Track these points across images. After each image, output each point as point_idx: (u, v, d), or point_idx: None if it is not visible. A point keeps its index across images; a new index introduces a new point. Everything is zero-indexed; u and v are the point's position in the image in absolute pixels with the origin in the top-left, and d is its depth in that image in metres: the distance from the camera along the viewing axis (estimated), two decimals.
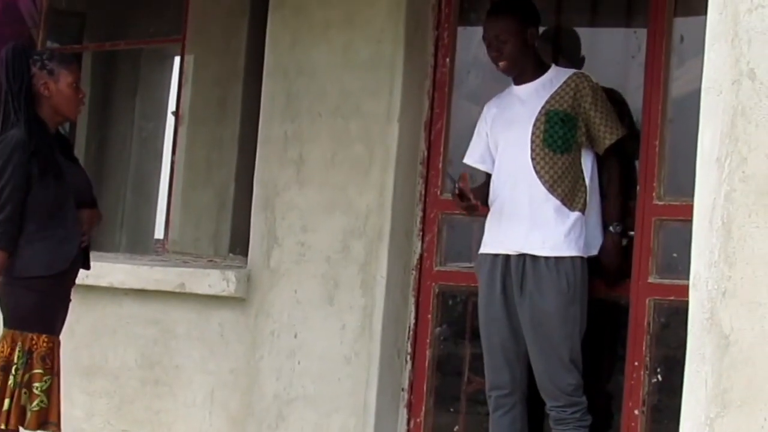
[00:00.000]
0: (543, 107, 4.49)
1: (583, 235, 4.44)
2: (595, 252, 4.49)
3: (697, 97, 2.66)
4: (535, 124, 4.47)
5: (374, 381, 5.02)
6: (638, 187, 4.57)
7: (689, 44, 4.52)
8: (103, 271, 5.61)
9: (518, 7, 4.56)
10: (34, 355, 4.14)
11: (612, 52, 5.06)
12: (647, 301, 4.51)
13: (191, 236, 6.54)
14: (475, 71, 5.25)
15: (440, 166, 5.08)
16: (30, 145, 4.11)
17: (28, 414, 4.13)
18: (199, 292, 5.45)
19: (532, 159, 4.45)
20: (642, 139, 4.57)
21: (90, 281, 5.27)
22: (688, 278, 2.63)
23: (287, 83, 5.34)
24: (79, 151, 4.72)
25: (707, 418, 2.48)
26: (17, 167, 4.09)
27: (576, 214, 4.43)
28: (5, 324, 4.16)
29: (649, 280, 4.52)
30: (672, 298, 4.41)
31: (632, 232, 4.58)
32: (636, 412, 4.50)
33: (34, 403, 4.13)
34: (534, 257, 4.41)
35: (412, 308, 5.10)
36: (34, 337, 4.14)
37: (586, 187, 4.47)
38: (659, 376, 4.48)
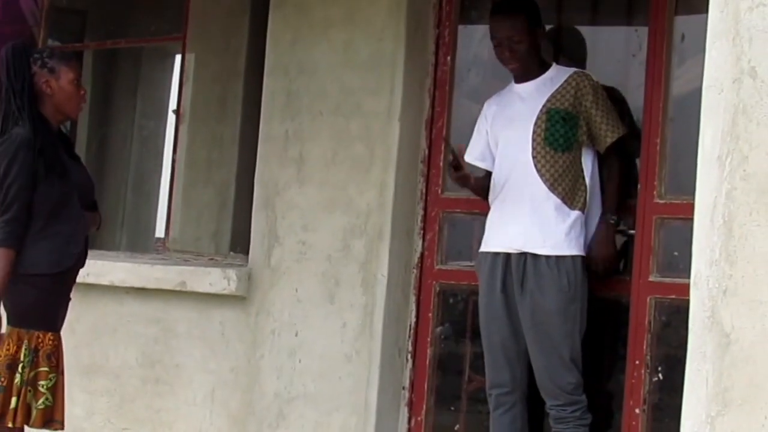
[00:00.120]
0: (544, 105, 4.49)
1: (583, 234, 4.44)
2: None
3: (698, 96, 2.66)
4: (536, 123, 4.47)
5: (375, 380, 5.01)
6: (639, 186, 4.57)
7: (690, 42, 4.51)
8: (104, 269, 5.61)
9: (527, 6, 4.56)
10: (40, 353, 4.14)
11: (613, 50, 5.06)
12: (648, 300, 4.51)
13: (192, 235, 6.54)
14: (476, 69, 5.25)
15: (441, 164, 5.07)
16: (35, 143, 4.11)
17: (34, 412, 4.13)
18: (200, 290, 5.45)
19: (533, 157, 4.45)
20: (643, 137, 4.57)
21: (91, 280, 5.28)
22: (689, 277, 2.63)
23: (288, 82, 5.34)
24: (80, 150, 4.72)
25: (708, 416, 2.48)
26: (23, 166, 4.08)
27: (576, 212, 4.43)
28: (9, 322, 4.15)
29: (650, 279, 4.51)
30: (673, 296, 4.41)
31: (632, 231, 4.58)
32: (637, 410, 4.50)
33: (40, 401, 4.13)
34: (535, 256, 4.41)
35: (413, 307, 5.10)
36: (40, 335, 4.14)
37: (586, 186, 4.47)
38: (660, 375, 4.48)
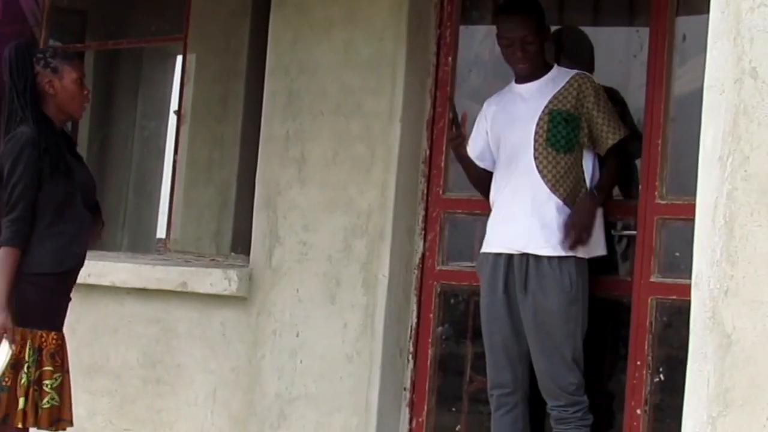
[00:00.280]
0: (546, 106, 4.49)
1: None
2: (596, 253, 4.49)
3: (699, 96, 2.66)
4: (538, 123, 4.47)
5: (376, 380, 5.01)
6: (640, 186, 4.57)
7: (691, 43, 4.51)
8: (105, 270, 5.61)
9: (535, 7, 4.56)
10: (44, 352, 4.13)
11: (614, 50, 5.06)
12: (649, 300, 4.50)
13: (193, 235, 6.54)
14: (477, 69, 5.25)
15: (442, 164, 5.07)
16: (40, 142, 4.10)
17: (40, 412, 4.12)
18: (201, 291, 5.45)
19: (535, 158, 4.45)
20: (644, 138, 4.57)
21: (92, 280, 5.29)
22: (690, 277, 2.63)
23: (289, 82, 5.34)
24: (81, 150, 4.71)
25: (709, 417, 2.48)
26: (28, 164, 4.07)
27: None
28: (12, 322, 4.14)
29: (651, 279, 4.51)
30: (674, 297, 4.41)
31: (633, 232, 4.58)
32: (638, 411, 4.50)
33: (45, 400, 4.12)
34: (537, 257, 4.41)
35: (414, 307, 5.10)
36: (44, 335, 4.13)
37: (586, 188, 4.47)
38: (661, 376, 4.48)
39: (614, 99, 4.65)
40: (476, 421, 4.98)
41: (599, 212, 4.50)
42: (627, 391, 4.54)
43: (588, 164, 4.50)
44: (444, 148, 5.07)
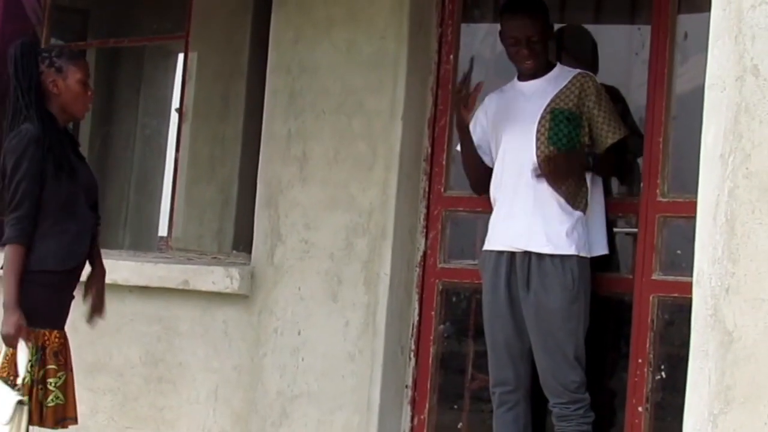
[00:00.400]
0: (548, 105, 4.49)
1: (586, 235, 4.44)
2: (597, 252, 4.49)
3: (700, 94, 2.66)
4: (540, 122, 4.48)
5: (378, 378, 5.02)
6: (642, 184, 4.57)
7: (693, 41, 4.51)
8: (106, 268, 5.61)
9: (540, 6, 4.57)
10: (47, 351, 4.13)
11: (616, 49, 5.06)
12: (651, 298, 4.51)
13: (195, 233, 6.55)
14: (478, 68, 5.24)
15: (444, 162, 5.08)
16: (45, 140, 4.10)
17: (44, 410, 4.11)
18: (203, 289, 5.45)
19: (537, 156, 4.45)
20: (646, 136, 4.58)
21: None
22: (691, 275, 2.63)
23: (290, 80, 5.34)
24: (83, 149, 4.71)
25: (711, 414, 2.48)
26: (33, 162, 4.06)
27: (578, 213, 4.44)
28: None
29: (653, 277, 4.52)
30: (676, 294, 4.42)
31: (635, 229, 4.58)
32: (640, 408, 4.50)
33: (49, 399, 4.12)
34: (539, 255, 4.41)
35: (416, 305, 5.10)
36: (46, 333, 4.12)
37: (587, 187, 4.48)
38: (663, 373, 4.48)
39: (615, 98, 4.66)
40: (478, 419, 4.98)
41: (601, 213, 4.51)
42: (628, 389, 4.54)
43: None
44: (445, 146, 5.07)
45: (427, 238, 5.10)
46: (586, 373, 4.41)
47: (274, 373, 5.27)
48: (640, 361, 4.51)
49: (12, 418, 3.95)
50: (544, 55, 4.56)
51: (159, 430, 5.59)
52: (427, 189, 5.11)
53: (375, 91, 5.11)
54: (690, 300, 2.63)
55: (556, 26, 4.92)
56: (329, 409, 5.12)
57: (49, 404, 4.11)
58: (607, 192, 4.62)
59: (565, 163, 4.41)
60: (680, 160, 4.49)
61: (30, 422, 4.06)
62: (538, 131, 4.47)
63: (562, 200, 4.42)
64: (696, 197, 2.63)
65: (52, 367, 4.12)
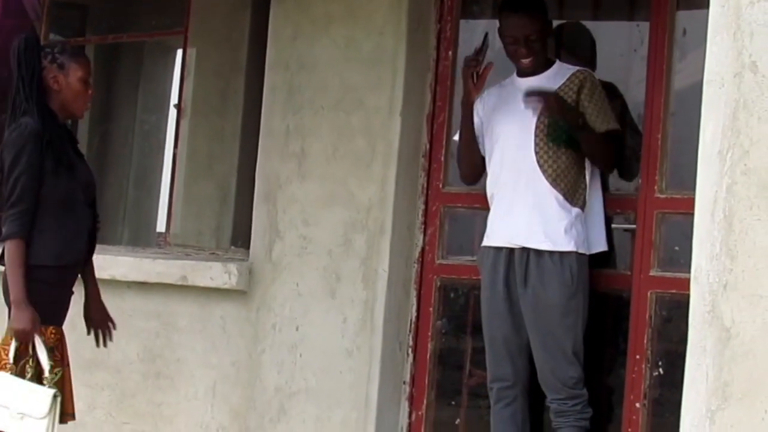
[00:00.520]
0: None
1: (584, 231, 4.44)
2: (596, 249, 4.50)
3: (699, 90, 2.66)
4: (539, 118, 4.48)
5: (376, 374, 5.02)
6: (640, 181, 4.57)
7: (692, 37, 4.52)
8: (105, 263, 5.59)
9: (539, 4, 4.56)
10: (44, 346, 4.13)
11: (615, 45, 5.06)
12: (649, 294, 4.51)
13: (193, 229, 6.54)
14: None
15: (442, 159, 5.08)
16: (44, 134, 4.09)
17: None
18: (201, 285, 5.45)
19: (536, 153, 4.46)
20: (644, 132, 4.58)
21: None
22: (689, 271, 2.63)
23: (289, 77, 5.34)
24: (82, 144, 4.71)
25: (708, 410, 2.48)
26: (32, 156, 4.05)
27: (577, 209, 4.44)
28: (10, 316, 4.14)
29: (651, 273, 4.52)
30: (673, 291, 4.42)
31: (633, 226, 4.58)
32: (637, 405, 4.50)
33: None
34: (538, 251, 4.42)
35: (414, 301, 5.10)
36: (42, 329, 4.12)
37: (586, 184, 4.48)
38: (660, 370, 4.48)
39: (613, 94, 4.66)
40: (475, 415, 4.98)
41: (600, 210, 4.51)
42: (626, 385, 4.55)
43: (588, 161, 4.50)
44: (444, 142, 5.07)
45: (425, 235, 5.10)
46: (584, 370, 4.41)
47: (272, 369, 5.27)
48: (638, 357, 4.51)
49: (49, 412, 3.97)
50: (542, 53, 4.56)
51: (157, 426, 5.59)
52: (425, 185, 5.11)
53: (373, 87, 5.11)
54: (688, 296, 2.63)
55: (555, 23, 4.92)
56: (327, 406, 5.12)
57: None
58: (605, 188, 4.62)
59: (558, 104, 4.40)
60: (679, 156, 4.49)
61: None
62: (536, 128, 4.47)
63: (560, 197, 4.42)
64: (694, 193, 2.64)
65: (49, 363, 4.12)
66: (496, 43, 4.73)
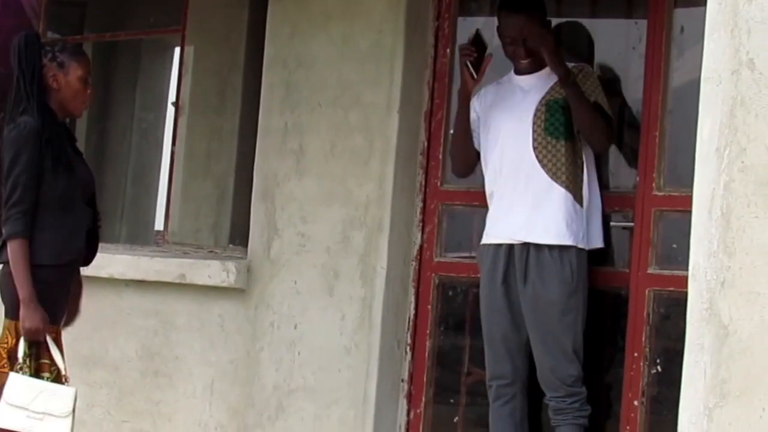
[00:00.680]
0: (543, 97, 4.50)
1: (584, 227, 4.44)
2: (595, 245, 4.50)
3: (697, 88, 2.66)
4: (536, 114, 4.48)
5: (374, 372, 5.02)
6: (638, 178, 4.57)
7: (689, 34, 4.51)
8: (103, 262, 5.59)
9: (538, 3, 4.56)
10: (41, 345, 4.13)
11: (613, 43, 5.06)
12: (647, 292, 4.51)
13: (191, 227, 6.54)
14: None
15: (440, 156, 5.08)
16: (43, 133, 4.09)
17: None
18: (199, 283, 5.45)
19: (534, 148, 4.46)
20: (642, 130, 4.58)
21: (90, 272, 5.25)
22: (687, 269, 2.63)
23: (287, 74, 5.34)
24: (80, 143, 4.71)
25: (706, 408, 2.48)
26: (32, 155, 4.06)
27: (577, 204, 4.45)
28: (7, 314, 4.13)
29: (649, 271, 4.52)
30: (671, 288, 4.42)
31: (631, 223, 4.58)
32: (635, 402, 4.50)
33: None
34: (538, 246, 4.42)
35: (412, 299, 5.10)
36: (50, 328, 4.12)
37: (584, 179, 4.48)
38: (659, 367, 4.48)
39: (612, 91, 4.66)
40: (474, 413, 4.98)
41: (598, 205, 4.51)
42: (624, 383, 4.54)
43: (586, 155, 4.50)
44: (442, 139, 5.07)
45: (423, 232, 5.10)
46: (583, 367, 4.41)
47: (271, 367, 5.27)
48: (635, 355, 4.51)
49: (72, 410, 4.00)
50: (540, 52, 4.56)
51: (155, 424, 5.59)
52: (423, 183, 5.11)
53: (371, 84, 5.11)
54: (686, 294, 2.63)
55: (553, 21, 4.92)
56: (325, 403, 5.12)
57: None
58: (604, 186, 4.62)
59: (551, 44, 4.41)
60: (676, 153, 4.49)
61: None
62: (534, 123, 4.47)
63: (561, 190, 4.42)
64: (692, 191, 2.64)
65: (46, 361, 4.12)
66: (494, 41, 4.73)
